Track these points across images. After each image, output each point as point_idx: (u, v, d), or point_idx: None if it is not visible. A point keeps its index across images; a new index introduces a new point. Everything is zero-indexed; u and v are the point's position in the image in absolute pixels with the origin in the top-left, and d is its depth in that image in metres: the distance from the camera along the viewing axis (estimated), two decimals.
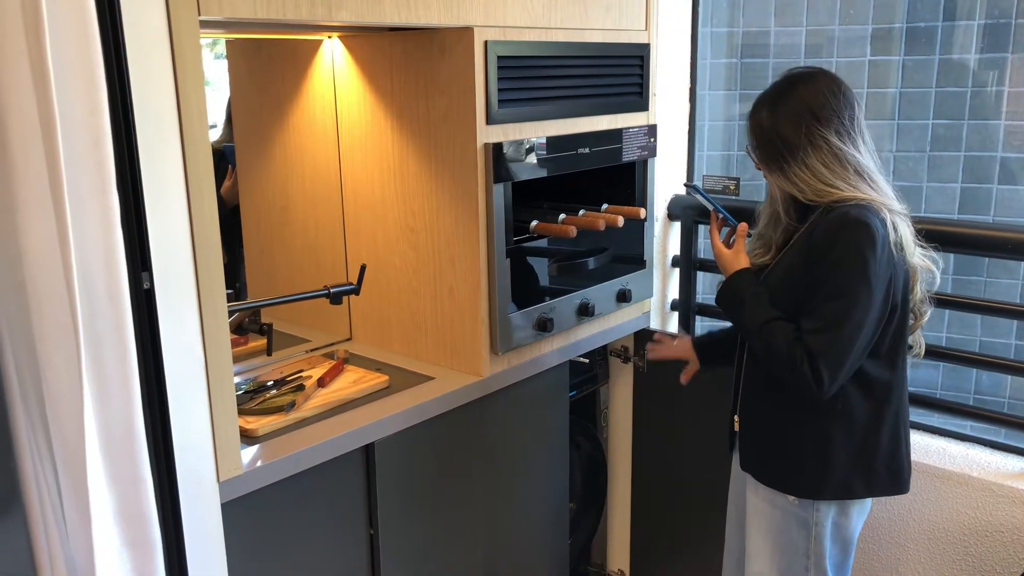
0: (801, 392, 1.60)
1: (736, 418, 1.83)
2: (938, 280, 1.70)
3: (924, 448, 2.23)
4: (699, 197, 1.87)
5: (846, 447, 1.67)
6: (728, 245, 1.78)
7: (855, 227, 1.55)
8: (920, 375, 2.86)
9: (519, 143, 1.90)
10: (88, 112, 1.00)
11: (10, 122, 0.99)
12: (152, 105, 1.27)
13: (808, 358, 1.56)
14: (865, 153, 1.63)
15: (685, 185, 2.00)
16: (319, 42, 2.06)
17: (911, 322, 1.70)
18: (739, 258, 1.73)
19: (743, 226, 1.76)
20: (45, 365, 1.07)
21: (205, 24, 1.40)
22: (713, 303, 2.15)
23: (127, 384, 1.11)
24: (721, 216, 1.80)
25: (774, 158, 1.65)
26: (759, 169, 1.72)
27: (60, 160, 0.98)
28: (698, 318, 2.69)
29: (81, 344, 1.05)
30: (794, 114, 1.61)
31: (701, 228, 2.58)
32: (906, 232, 1.62)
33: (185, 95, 1.32)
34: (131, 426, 1.12)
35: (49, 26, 0.95)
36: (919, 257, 1.66)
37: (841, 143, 1.60)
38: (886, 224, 1.57)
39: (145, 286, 1.16)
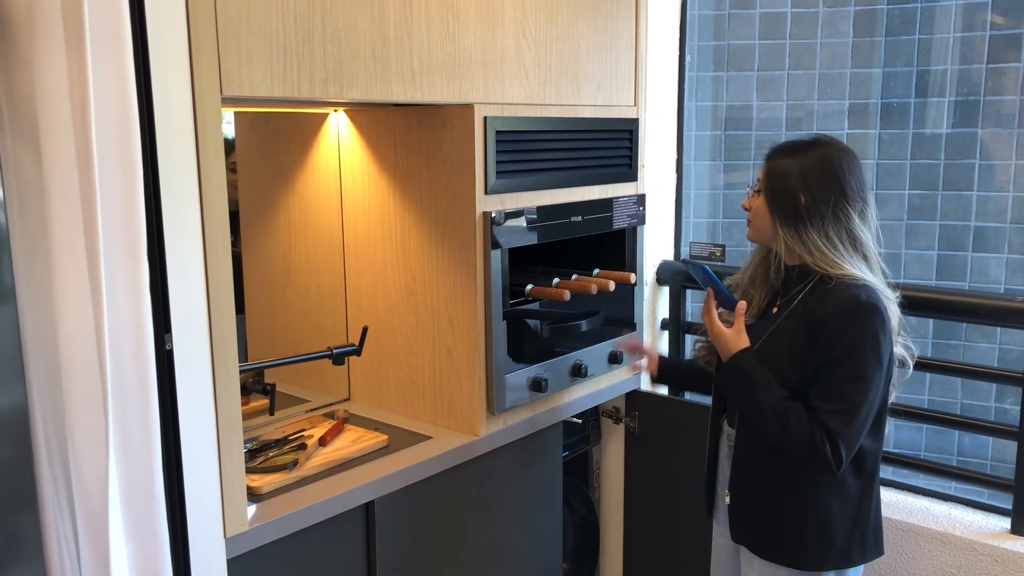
0: (816, 470, 1.62)
1: (728, 492, 1.82)
2: (909, 374, 1.74)
3: (908, 508, 2.28)
4: (697, 276, 1.82)
5: (843, 517, 1.69)
6: (723, 323, 1.74)
7: (869, 311, 1.58)
8: (904, 437, 2.93)
9: (515, 212, 1.99)
10: (125, 189, 1.09)
11: (53, 197, 1.07)
12: (176, 178, 1.35)
13: (828, 439, 1.57)
14: (872, 236, 1.68)
15: (684, 262, 1.93)
16: (325, 115, 2.16)
17: None
18: (741, 338, 1.70)
19: (743, 304, 1.73)
20: (73, 423, 1.13)
21: (224, 100, 1.49)
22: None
23: (149, 442, 1.16)
24: (719, 293, 1.76)
25: (792, 216, 1.65)
26: (746, 209, 1.74)
27: (99, 232, 1.06)
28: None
29: (109, 403, 1.11)
30: (825, 184, 1.63)
31: (689, 293, 2.67)
32: (896, 319, 1.67)
33: (206, 169, 1.40)
34: (151, 483, 1.18)
35: (95, 108, 1.04)
36: (899, 346, 1.70)
37: (862, 225, 1.65)
38: (888, 306, 1.63)
39: (167, 347, 1.22)
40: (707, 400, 2.08)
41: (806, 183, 1.65)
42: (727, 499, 1.81)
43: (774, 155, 1.72)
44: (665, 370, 2.09)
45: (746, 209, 1.78)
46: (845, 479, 1.68)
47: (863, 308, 1.59)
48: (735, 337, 1.70)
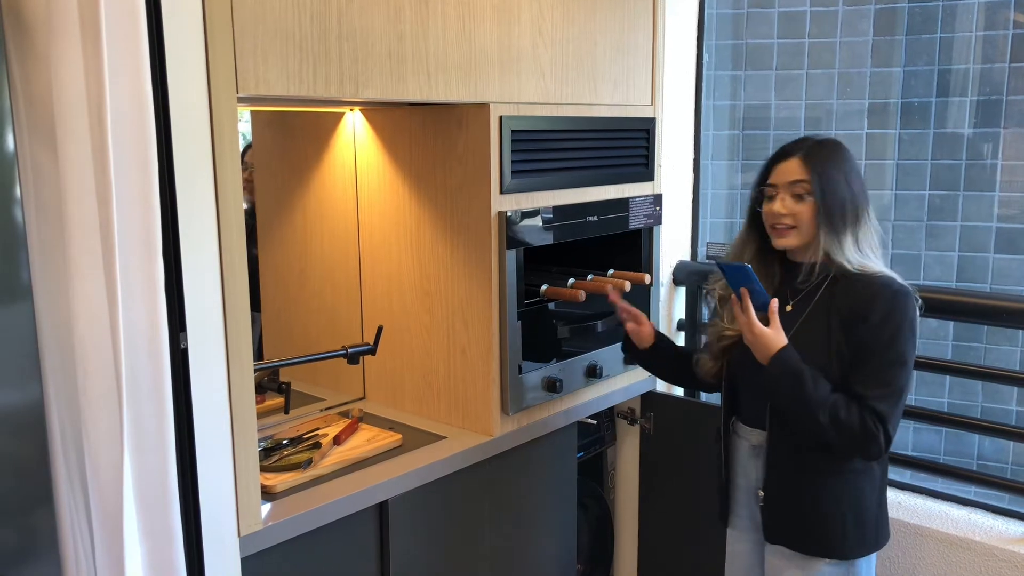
0: (865, 455, 1.67)
1: (761, 491, 1.80)
2: None
3: (927, 512, 2.26)
4: (734, 277, 1.68)
5: (872, 501, 1.74)
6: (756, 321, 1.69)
7: (905, 297, 1.65)
8: (923, 440, 2.89)
9: (531, 212, 1.98)
10: (141, 188, 1.09)
11: (69, 195, 1.07)
12: (192, 177, 1.35)
13: (881, 424, 1.61)
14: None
15: (719, 265, 1.76)
16: (341, 114, 2.16)
17: None
18: (780, 335, 1.68)
19: (775, 302, 1.69)
20: (88, 422, 1.13)
21: (240, 99, 1.49)
22: None
23: (163, 440, 1.17)
24: (758, 294, 1.68)
25: (840, 222, 1.68)
26: (781, 214, 1.69)
27: (114, 230, 1.06)
28: None
29: (123, 402, 1.11)
30: (863, 188, 1.70)
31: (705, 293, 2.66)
32: None
33: (222, 167, 1.40)
34: (165, 481, 1.18)
35: (111, 105, 1.04)
36: None
37: (876, 223, 1.72)
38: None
39: (182, 346, 1.23)
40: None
41: (852, 190, 1.69)
42: (761, 500, 1.80)
43: (814, 159, 1.68)
44: (653, 351, 2.01)
45: (781, 214, 1.70)
46: (871, 464, 1.73)
47: (900, 295, 1.65)
48: (775, 336, 1.68)
